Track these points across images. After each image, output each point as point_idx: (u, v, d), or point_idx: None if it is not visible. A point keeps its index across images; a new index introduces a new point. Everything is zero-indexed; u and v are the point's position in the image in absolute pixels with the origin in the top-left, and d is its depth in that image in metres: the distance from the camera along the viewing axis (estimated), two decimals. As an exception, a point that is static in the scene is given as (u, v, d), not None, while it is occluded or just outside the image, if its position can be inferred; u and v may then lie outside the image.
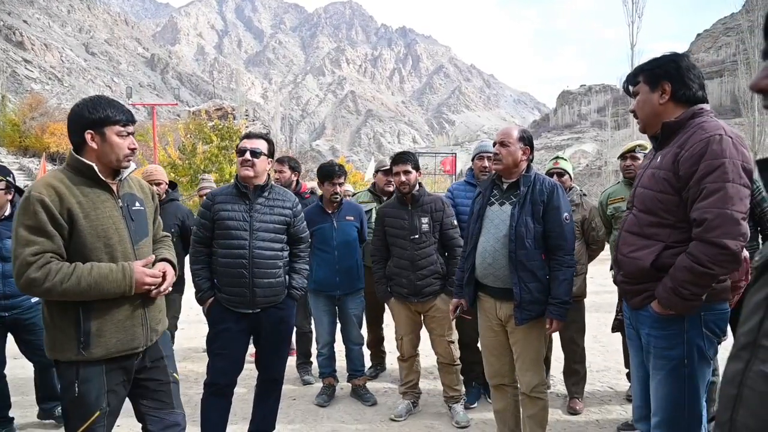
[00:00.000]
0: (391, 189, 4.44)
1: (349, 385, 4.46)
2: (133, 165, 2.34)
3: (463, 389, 4.09)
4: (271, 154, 3.32)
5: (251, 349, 3.36)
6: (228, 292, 3.15)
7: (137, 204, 2.37)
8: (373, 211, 4.58)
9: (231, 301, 3.15)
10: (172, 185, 4.74)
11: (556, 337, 4.18)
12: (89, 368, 2.17)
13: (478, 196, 3.21)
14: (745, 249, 2.20)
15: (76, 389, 2.15)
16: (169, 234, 2.76)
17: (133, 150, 2.26)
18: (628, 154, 4.07)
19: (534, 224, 2.89)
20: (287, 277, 3.32)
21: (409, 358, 4.03)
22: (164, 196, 4.46)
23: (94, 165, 2.17)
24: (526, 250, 2.86)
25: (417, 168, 3.87)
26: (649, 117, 2.22)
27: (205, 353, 3.36)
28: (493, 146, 3.07)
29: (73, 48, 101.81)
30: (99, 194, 2.20)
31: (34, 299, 3.48)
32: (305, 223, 3.51)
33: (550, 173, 4.09)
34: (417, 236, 3.78)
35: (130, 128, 2.26)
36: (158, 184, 4.41)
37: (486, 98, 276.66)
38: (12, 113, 32.31)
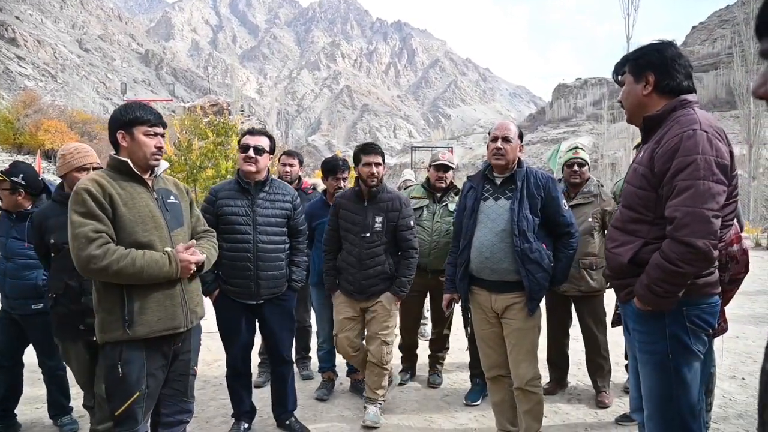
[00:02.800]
0: (443, 185, 4.30)
1: (348, 379, 4.47)
2: (165, 164, 2.53)
3: (383, 393, 3.88)
4: (272, 150, 3.47)
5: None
6: (233, 284, 3.32)
7: (172, 198, 2.58)
8: (425, 210, 4.29)
9: (236, 293, 3.34)
10: None
11: (573, 333, 4.24)
12: (132, 350, 2.35)
13: (469, 191, 3.19)
14: (746, 240, 2.20)
15: (120, 370, 2.33)
16: (213, 230, 2.89)
17: (159, 148, 2.46)
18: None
19: (533, 217, 2.94)
20: (288, 269, 3.49)
21: (349, 358, 3.93)
22: None
23: (128, 160, 2.41)
24: (530, 243, 2.90)
25: (384, 162, 3.80)
26: (634, 108, 2.20)
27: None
28: (494, 141, 3.03)
29: (66, 44, 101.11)
30: (135, 187, 2.43)
31: (35, 306, 3.44)
32: (304, 215, 3.61)
33: (570, 164, 4.06)
34: (368, 235, 3.64)
35: (158, 129, 2.47)
36: None
37: (482, 92, 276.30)
38: (6, 110, 32.09)
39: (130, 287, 2.33)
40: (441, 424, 3.79)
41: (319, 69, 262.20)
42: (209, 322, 3.45)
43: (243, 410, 3.57)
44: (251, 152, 3.34)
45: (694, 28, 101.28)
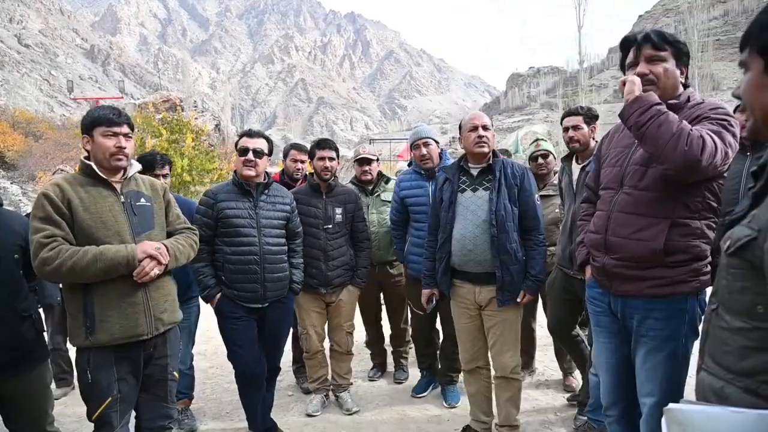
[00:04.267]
0: (369, 177, 4.30)
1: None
2: (137, 165, 2.52)
3: (351, 379, 4.12)
4: (270, 152, 3.38)
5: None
6: (240, 288, 3.22)
7: (142, 200, 2.55)
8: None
9: (242, 297, 3.24)
10: None
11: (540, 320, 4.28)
12: (99, 356, 2.38)
13: (444, 183, 3.19)
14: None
15: (89, 376, 2.37)
16: (193, 227, 2.83)
17: (120, 148, 2.42)
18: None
19: (512, 207, 2.96)
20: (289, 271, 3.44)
21: (316, 352, 3.92)
22: None
23: (92, 163, 2.43)
24: (507, 233, 2.92)
25: (338, 157, 3.86)
26: (671, 88, 2.19)
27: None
28: (474, 130, 3.04)
29: (4, 39, 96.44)
30: (101, 191, 2.43)
31: None
32: (299, 218, 3.59)
33: (534, 157, 4.10)
34: (330, 226, 3.74)
35: (118, 128, 2.43)
36: None
37: (437, 83, 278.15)
38: (-58, 111, 30.41)
39: (91, 294, 2.33)
40: (414, 417, 3.80)
41: (273, 62, 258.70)
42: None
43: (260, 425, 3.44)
44: (250, 155, 3.24)
45: (640, 17, 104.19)
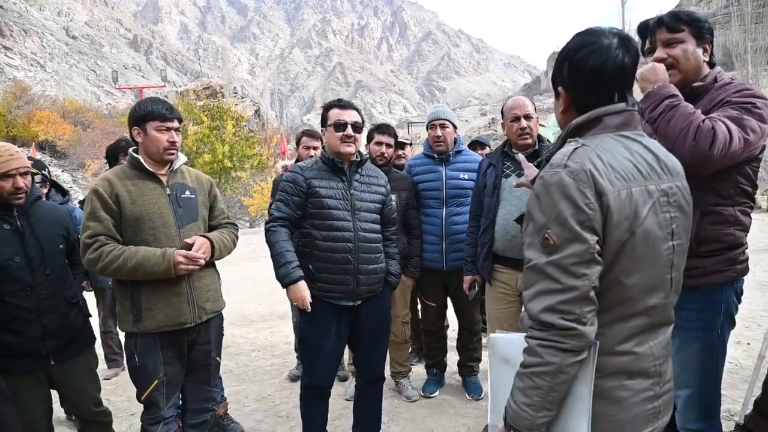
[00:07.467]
0: (402, 163, 4.23)
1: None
2: (183, 158, 2.58)
3: (410, 366, 4.16)
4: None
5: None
6: (329, 280, 2.80)
7: (187, 192, 2.63)
8: None
9: (332, 292, 2.82)
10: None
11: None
12: (146, 341, 2.49)
13: (488, 168, 3.15)
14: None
15: (137, 359, 2.50)
16: (235, 222, 2.86)
17: (172, 143, 2.51)
18: None
19: None
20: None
21: None
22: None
23: (140, 157, 2.51)
24: None
25: (395, 146, 3.79)
26: (694, 70, 2.12)
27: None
28: (517, 120, 3.00)
29: (53, 32, 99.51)
30: (147, 183, 2.52)
31: None
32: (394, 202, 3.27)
33: None
34: None
35: (171, 123, 2.52)
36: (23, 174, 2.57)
37: (476, 63, 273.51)
38: (-3, 103, 31.74)
39: (138, 285, 2.45)
40: (451, 401, 3.85)
41: (311, 47, 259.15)
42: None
43: None
44: (350, 130, 2.80)
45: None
